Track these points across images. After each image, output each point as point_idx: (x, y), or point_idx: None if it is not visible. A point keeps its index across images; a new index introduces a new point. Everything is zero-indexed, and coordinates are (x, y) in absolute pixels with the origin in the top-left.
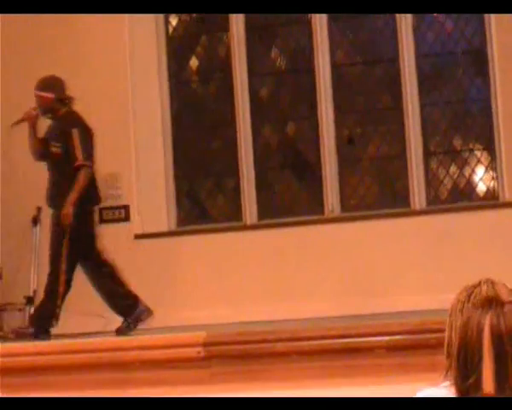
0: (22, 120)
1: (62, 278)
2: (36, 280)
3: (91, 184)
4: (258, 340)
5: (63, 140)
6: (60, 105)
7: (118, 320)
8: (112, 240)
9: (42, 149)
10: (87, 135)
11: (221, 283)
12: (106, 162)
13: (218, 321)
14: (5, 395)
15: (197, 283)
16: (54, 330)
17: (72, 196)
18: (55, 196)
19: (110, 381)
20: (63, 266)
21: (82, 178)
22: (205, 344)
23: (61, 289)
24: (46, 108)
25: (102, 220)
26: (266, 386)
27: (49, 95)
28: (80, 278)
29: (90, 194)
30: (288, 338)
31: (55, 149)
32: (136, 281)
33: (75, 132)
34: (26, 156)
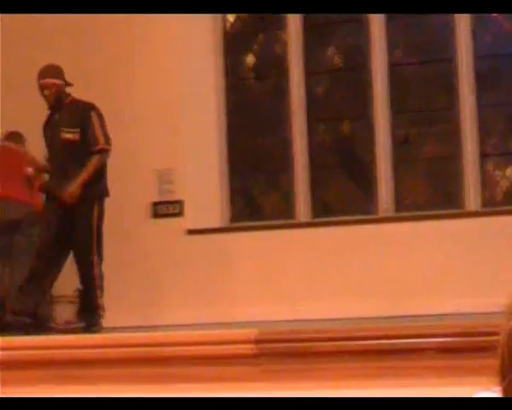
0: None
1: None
2: None
3: (102, 172)
4: (310, 338)
5: (80, 124)
6: (65, 92)
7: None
8: (164, 235)
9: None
10: (103, 118)
11: (273, 280)
12: (160, 158)
13: (270, 318)
14: (59, 387)
15: (249, 279)
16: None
17: (83, 177)
18: (61, 182)
19: (162, 376)
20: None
21: (97, 161)
22: (257, 341)
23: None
24: (56, 96)
25: (156, 215)
26: (317, 385)
27: (59, 81)
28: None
29: (100, 182)
30: (340, 337)
31: (71, 134)
32: (188, 276)
33: (94, 116)
34: None
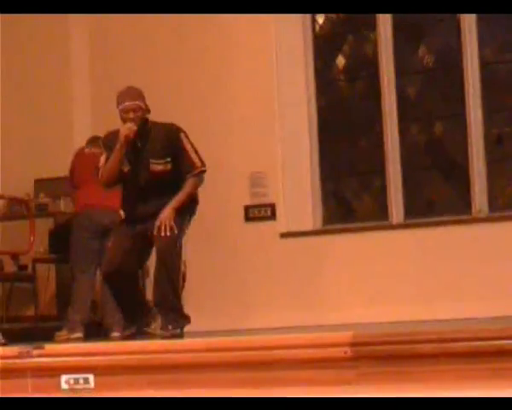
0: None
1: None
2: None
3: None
4: (406, 341)
5: (171, 152)
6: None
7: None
8: (257, 238)
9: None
10: (189, 138)
11: (366, 282)
12: (252, 161)
13: (364, 321)
14: (154, 392)
15: (342, 282)
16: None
17: (179, 199)
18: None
19: (254, 380)
20: None
21: (195, 183)
22: (352, 344)
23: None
24: (142, 120)
25: (248, 218)
26: (414, 388)
27: (143, 104)
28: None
29: (193, 200)
30: (436, 339)
31: (161, 166)
32: (281, 279)
33: (184, 138)
34: None
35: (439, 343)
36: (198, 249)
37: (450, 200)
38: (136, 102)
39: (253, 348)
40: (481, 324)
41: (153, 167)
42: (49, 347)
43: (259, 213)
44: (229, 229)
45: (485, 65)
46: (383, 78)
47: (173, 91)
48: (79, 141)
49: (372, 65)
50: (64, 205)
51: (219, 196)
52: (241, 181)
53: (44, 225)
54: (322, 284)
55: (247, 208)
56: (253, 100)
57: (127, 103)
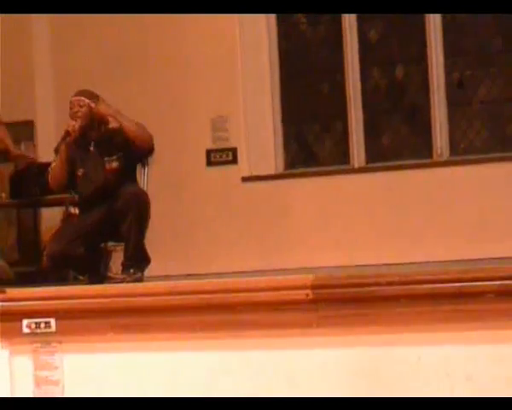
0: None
1: None
2: None
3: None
4: (367, 283)
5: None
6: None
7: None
8: (219, 183)
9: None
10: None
11: (328, 226)
12: (214, 105)
13: (325, 264)
14: (117, 335)
15: (304, 226)
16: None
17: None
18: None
19: (216, 323)
20: None
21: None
22: (313, 287)
23: None
24: (89, 117)
25: (210, 163)
26: (374, 330)
27: (90, 102)
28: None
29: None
30: (397, 282)
31: (115, 162)
32: (243, 224)
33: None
34: None
35: (401, 286)
36: (159, 194)
37: (412, 144)
38: (81, 98)
39: (215, 292)
40: (442, 266)
41: (108, 166)
42: (11, 291)
43: (221, 157)
44: (190, 173)
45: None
46: (345, 21)
47: (136, 39)
48: None
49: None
50: (25, 150)
51: (181, 141)
52: (203, 125)
53: (6, 170)
54: (284, 227)
55: (208, 153)
56: (214, 44)
57: (72, 98)
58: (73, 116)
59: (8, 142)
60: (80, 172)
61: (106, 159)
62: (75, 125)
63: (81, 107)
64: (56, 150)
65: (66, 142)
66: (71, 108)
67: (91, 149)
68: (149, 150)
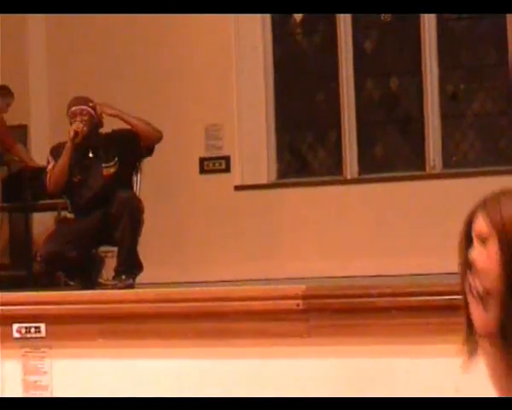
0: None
1: None
2: None
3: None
4: (358, 294)
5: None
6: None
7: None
8: (212, 191)
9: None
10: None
11: (320, 236)
12: (208, 113)
13: (317, 275)
14: (108, 342)
15: (296, 235)
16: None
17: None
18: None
19: (207, 331)
20: None
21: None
22: (304, 297)
23: None
24: (92, 125)
25: (203, 171)
26: (364, 341)
27: (91, 110)
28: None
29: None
30: (389, 293)
31: (112, 168)
32: (235, 232)
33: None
34: None
35: (392, 297)
36: (152, 201)
37: (405, 155)
38: (82, 107)
39: (207, 300)
40: (434, 278)
41: (106, 172)
42: (1, 295)
43: (214, 165)
44: (183, 181)
45: (441, 21)
46: (340, 31)
47: (129, 42)
48: None
49: (329, 18)
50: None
51: (174, 148)
52: (197, 133)
53: None
54: (275, 237)
55: (201, 161)
56: (208, 53)
57: (73, 108)
58: (77, 123)
59: (25, 155)
60: (77, 178)
61: (104, 165)
62: (82, 126)
63: (83, 115)
64: (53, 151)
65: (75, 142)
66: (72, 118)
67: (90, 155)
68: (158, 140)
